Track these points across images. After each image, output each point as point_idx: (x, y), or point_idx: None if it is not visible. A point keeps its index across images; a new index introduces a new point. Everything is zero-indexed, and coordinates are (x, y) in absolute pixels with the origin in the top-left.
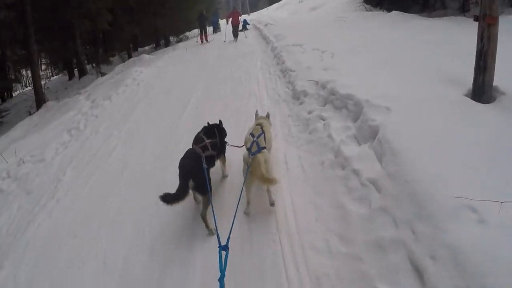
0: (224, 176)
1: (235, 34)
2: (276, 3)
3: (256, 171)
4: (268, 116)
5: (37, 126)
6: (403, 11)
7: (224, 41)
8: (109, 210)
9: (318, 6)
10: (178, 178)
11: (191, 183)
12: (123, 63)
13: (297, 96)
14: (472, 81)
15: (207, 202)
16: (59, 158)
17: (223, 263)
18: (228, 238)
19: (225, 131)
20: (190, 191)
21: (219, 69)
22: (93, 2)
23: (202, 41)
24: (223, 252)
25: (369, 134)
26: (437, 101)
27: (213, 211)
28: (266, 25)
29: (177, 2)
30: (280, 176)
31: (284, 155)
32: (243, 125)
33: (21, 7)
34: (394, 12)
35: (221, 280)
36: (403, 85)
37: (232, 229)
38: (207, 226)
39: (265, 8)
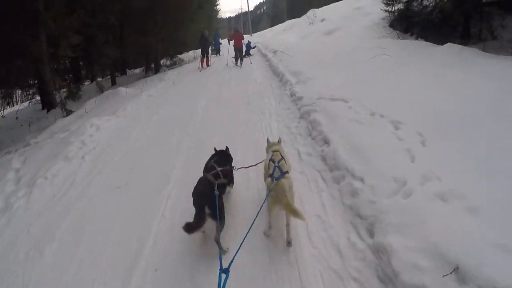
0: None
1: (238, 58)
2: (281, 24)
3: (282, 199)
4: (279, 141)
5: None
6: (439, 40)
7: (226, 64)
8: None
9: (334, 30)
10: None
11: (206, 209)
12: (95, 99)
13: None
14: None
15: (219, 227)
16: None
17: (221, 285)
18: (231, 262)
19: (232, 157)
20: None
21: (212, 138)
22: (53, 19)
23: (202, 66)
24: (223, 275)
25: None
26: None
27: (218, 234)
28: (275, 52)
29: (170, 19)
30: None
31: None
32: None
33: None
34: (449, 44)
35: None
36: None
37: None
38: (221, 248)
39: (267, 29)
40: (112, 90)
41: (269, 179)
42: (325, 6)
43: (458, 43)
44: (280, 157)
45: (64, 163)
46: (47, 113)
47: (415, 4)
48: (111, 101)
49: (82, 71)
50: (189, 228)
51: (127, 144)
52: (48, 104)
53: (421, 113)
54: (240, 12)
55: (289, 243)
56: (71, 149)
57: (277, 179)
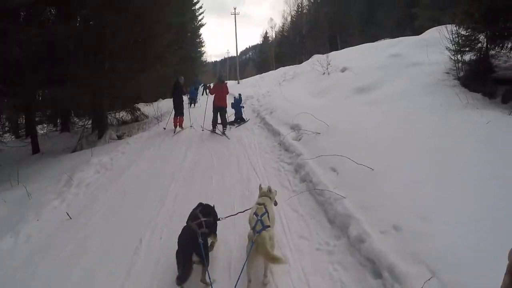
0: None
1: (223, 123)
2: (274, 71)
3: (261, 249)
4: (269, 190)
5: None
6: None
7: (202, 130)
8: None
9: (369, 86)
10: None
11: (194, 256)
12: None
13: None
14: None
15: (205, 270)
16: None
17: None
18: None
19: (217, 214)
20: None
21: None
22: None
23: (175, 127)
24: None
25: None
26: None
27: (209, 277)
28: (297, 130)
29: (125, 62)
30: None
31: None
32: None
33: None
34: None
35: None
36: None
37: None
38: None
39: (257, 76)
40: None
41: (250, 231)
42: (339, 51)
43: None
44: (264, 211)
45: None
46: None
47: (496, 50)
48: None
49: None
50: (181, 280)
51: None
52: None
53: None
54: (226, 56)
55: (264, 284)
56: None
57: (259, 232)
